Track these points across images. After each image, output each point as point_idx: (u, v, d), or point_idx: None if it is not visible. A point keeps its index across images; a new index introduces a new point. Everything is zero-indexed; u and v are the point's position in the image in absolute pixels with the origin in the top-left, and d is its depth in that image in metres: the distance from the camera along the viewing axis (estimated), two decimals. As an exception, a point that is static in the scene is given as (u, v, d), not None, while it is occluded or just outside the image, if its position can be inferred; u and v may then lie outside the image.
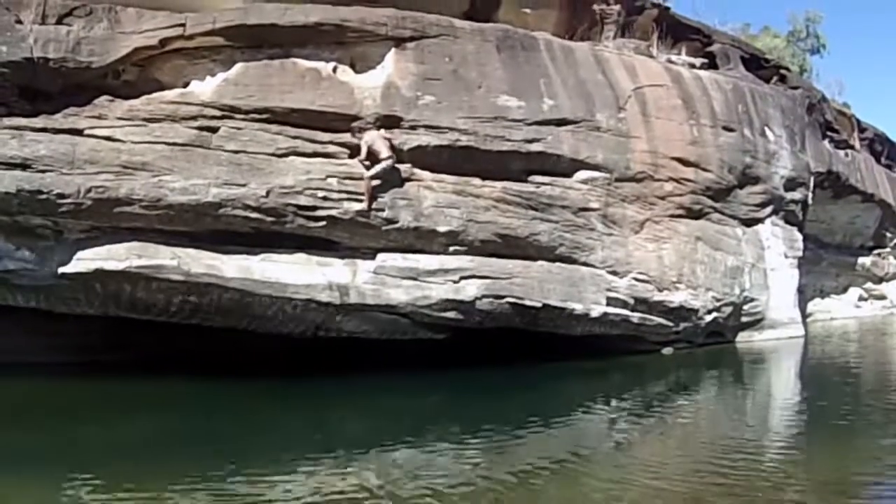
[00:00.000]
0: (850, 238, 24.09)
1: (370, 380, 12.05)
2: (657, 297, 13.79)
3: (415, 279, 11.78)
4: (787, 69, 20.21)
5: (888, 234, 25.03)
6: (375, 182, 11.41)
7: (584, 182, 13.26)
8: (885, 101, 65.48)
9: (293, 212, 11.16)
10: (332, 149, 11.55)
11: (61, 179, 10.36)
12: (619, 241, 13.57)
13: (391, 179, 11.62)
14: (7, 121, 10.49)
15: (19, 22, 10.63)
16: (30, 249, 10.78)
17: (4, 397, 11.04)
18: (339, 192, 11.30)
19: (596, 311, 12.98)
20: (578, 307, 12.79)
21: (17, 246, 10.74)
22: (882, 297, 25.63)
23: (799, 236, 16.86)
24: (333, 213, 11.30)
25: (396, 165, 11.62)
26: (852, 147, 21.97)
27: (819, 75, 32.26)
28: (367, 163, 11.46)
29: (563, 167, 13.07)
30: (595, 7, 15.54)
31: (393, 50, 12.10)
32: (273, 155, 11.22)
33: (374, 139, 11.54)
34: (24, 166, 10.28)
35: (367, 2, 12.32)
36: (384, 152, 11.45)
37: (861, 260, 24.51)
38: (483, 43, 12.78)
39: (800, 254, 16.73)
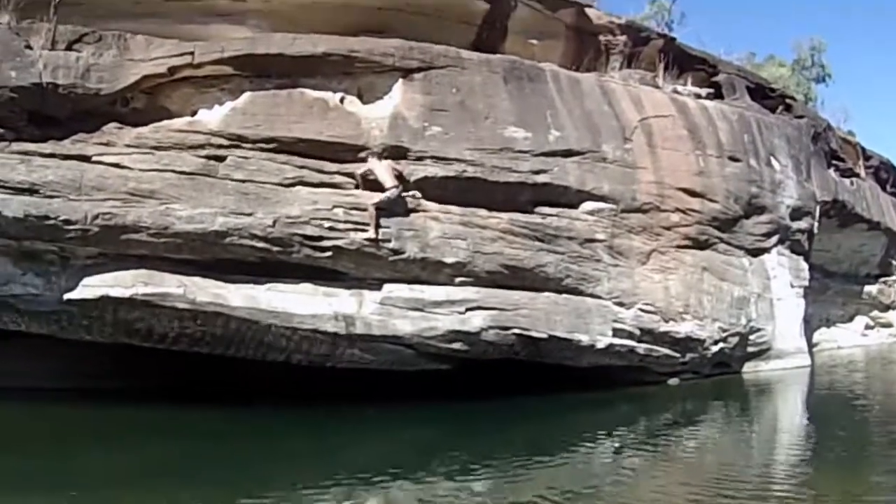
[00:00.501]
0: (856, 266, 24.00)
1: (375, 409, 11.96)
2: (663, 327, 13.73)
3: (421, 310, 11.73)
4: (793, 98, 20.18)
5: (894, 262, 24.93)
6: (378, 210, 11.36)
7: (591, 213, 13.25)
8: (890, 126, 65.50)
9: (299, 242, 11.15)
10: (338, 179, 11.56)
11: (68, 205, 10.39)
12: (625, 272, 13.52)
13: (397, 210, 11.62)
14: (15, 146, 10.51)
15: (29, 47, 10.68)
16: (36, 275, 10.79)
17: (7, 422, 11.02)
18: (346, 222, 11.29)
19: (602, 343, 12.93)
20: (584, 338, 12.74)
21: (24, 271, 10.76)
22: (889, 325, 25.45)
23: (805, 265, 16.78)
24: (340, 243, 11.27)
25: (403, 195, 11.62)
26: (858, 175, 21.91)
27: (824, 103, 32.23)
28: (366, 192, 11.45)
29: (569, 198, 13.07)
30: (601, 38, 15.58)
31: (400, 80, 12.14)
32: (280, 185, 11.24)
33: (377, 168, 11.55)
34: (31, 191, 10.31)
35: (374, 32, 12.39)
36: (388, 182, 11.46)
37: (867, 288, 24.40)
38: (490, 74, 12.81)
39: (806, 283, 16.65)
